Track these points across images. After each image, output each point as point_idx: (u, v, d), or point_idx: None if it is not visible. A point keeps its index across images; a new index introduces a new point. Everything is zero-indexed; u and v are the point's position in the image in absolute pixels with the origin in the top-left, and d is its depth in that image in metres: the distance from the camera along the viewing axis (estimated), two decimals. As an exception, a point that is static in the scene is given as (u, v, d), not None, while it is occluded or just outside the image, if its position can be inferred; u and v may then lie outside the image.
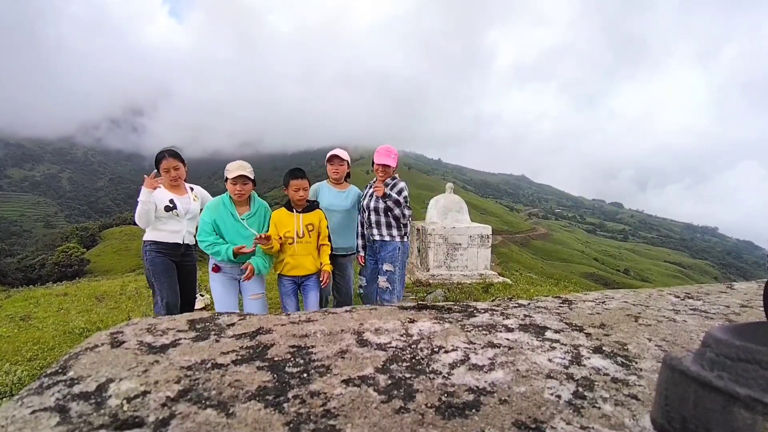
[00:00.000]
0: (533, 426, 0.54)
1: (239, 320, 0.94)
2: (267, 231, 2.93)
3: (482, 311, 1.06)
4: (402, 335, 0.86)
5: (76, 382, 0.63)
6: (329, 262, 3.08)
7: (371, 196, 3.44)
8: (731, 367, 0.36)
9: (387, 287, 3.35)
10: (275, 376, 0.67)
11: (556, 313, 1.07)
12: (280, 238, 2.90)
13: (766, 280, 0.66)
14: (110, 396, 0.59)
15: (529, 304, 1.16)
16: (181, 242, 3.12)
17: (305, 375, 0.67)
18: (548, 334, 0.91)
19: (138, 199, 2.92)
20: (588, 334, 0.92)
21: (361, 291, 3.64)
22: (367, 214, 3.44)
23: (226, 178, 2.82)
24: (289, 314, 1.00)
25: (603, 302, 1.22)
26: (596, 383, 0.68)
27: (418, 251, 7.75)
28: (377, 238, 3.40)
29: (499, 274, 7.81)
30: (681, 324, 1.02)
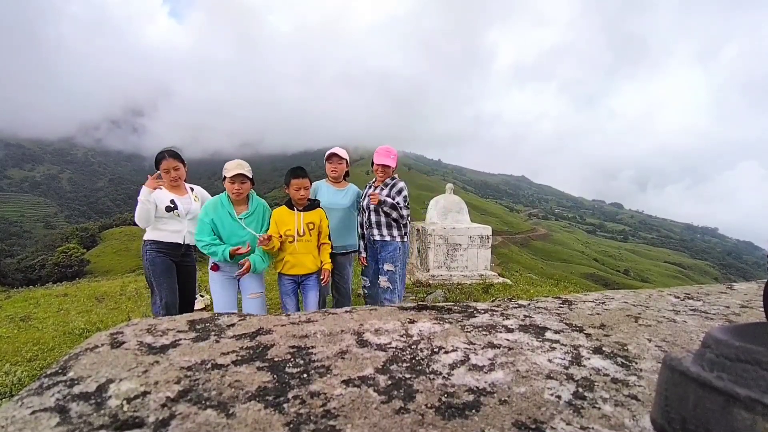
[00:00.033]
0: (533, 426, 0.54)
1: (239, 321, 0.94)
2: (266, 230, 2.93)
3: (482, 312, 1.06)
4: (402, 336, 0.86)
5: (76, 382, 0.63)
6: (329, 260, 3.09)
7: (371, 196, 3.45)
8: (731, 367, 0.36)
9: (388, 287, 3.36)
10: (275, 376, 0.67)
11: (556, 314, 1.07)
12: (281, 236, 2.91)
13: (766, 280, 0.66)
14: (110, 396, 0.59)
15: (529, 304, 1.16)
16: (182, 242, 3.12)
17: (305, 375, 0.67)
18: (548, 334, 0.91)
19: (138, 199, 2.92)
20: (588, 335, 0.92)
21: (366, 291, 3.65)
22: (367, 214, 3.44)
23: (224, 177, 2.82)
24: (289, 315, 1.00)
25: (603, 303, 1.22)
26: (596, 384, 0.68)
27: (418, 252, 7.75)
28: (378, 238, 3.41)
29: (499, 275, 7.81)
30: (681, 324, 1.02)
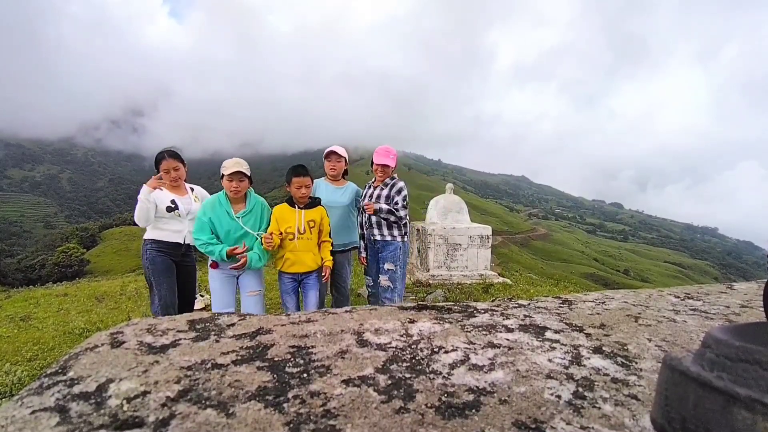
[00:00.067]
0: (533, 426, 0.54)
1: (239, 320, 0.94)
2: (265, 228, 2.94)
3: (482, 311, 1.06)
4: (402, 335, 0.86)
5: (76, 382, 0.63)
6: (330, 257, 3.10)
7: (371, 197, 3.45)
8: (731, 367, 0.36)
9: (389, 286, 3.37)
10: (275, 376, 0.67)
11: (556, 314, 1.07)
12: (281, 233, 2.91)
13: (766, 280, 0.66)
14: (110, 396, 0.59)
15: (529, 304, 1.16)
16: (182, 242, 3.12)
17: (305, 375, 0.67)
18: (548, 334, 0.91)
19: (138, 198, 2.93)
20: (588, 335, 0.92)
21: (369, 290, 3.65)
22: (367, 215, 3.45)
23: (222, 175, 2.82)
24: (289, 314, 1.00)
25: (603, 302, 1.22)
26: (596, 383, 0.68)
27: (418, 252, 7.75)
28: (378, 238, 3.41)
29: (499, 275, 7.81)
30: (681, 324, 1.02)
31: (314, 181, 3.55)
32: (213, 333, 0.86)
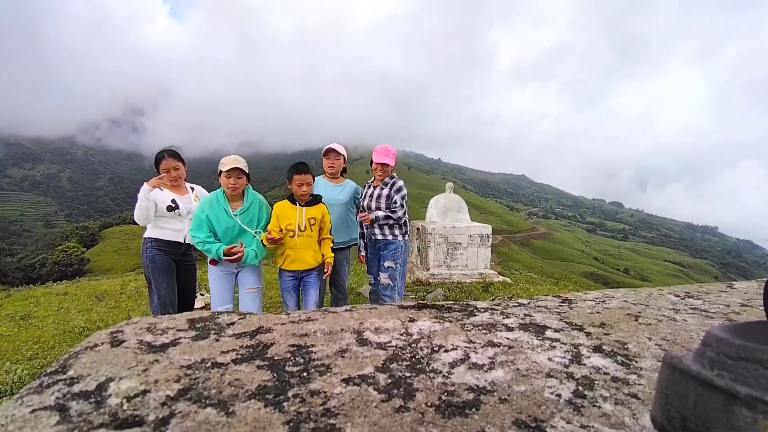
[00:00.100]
0: (533, 425, 0.54)
1: (239, 319, 0.94)
2: (263, 225, 2.95)
3: (482, 310, 1.06)
4: (402, 334, 0.86)
5: (76, 381, 0.63)
6: (331, 254, 3.11)
7: (371, 196, 3.45)
8: (732, 366, 0.36)
9: (388, 283, 3.38)
10: (275, 375, 0.66)
11: (556, 313, 1.07)
12: (281, 230, 2.91)
13: (766, 279, 0.66)
14: (110, 395, 0.59)
15: (529, 303, 1.16)
16: (183, 241, 3.12)
17: (305, 374, 0.67)
18: (548, 333, 0.91)
19: (137, 196, 2.93)
20: (588, 334, 0.92)
21: (372, 288, 3.66)
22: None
23: (220, 172, 2.82)
24: (289, 313, 1.00)
25: (603, 301, 1.22)
26: (596, 382, 0.68)
27: (418, 251, 7.75)
28: (380, 237, 3.42)
29: (499, 274, 7.82)
30: (681, 323, 1.02)
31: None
32: (213, 332, 0.86)
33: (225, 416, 0.54)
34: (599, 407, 0.59)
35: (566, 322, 0.99)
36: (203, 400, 0.58)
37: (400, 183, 3.44)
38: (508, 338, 0.86)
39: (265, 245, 2.90)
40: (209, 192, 3.43)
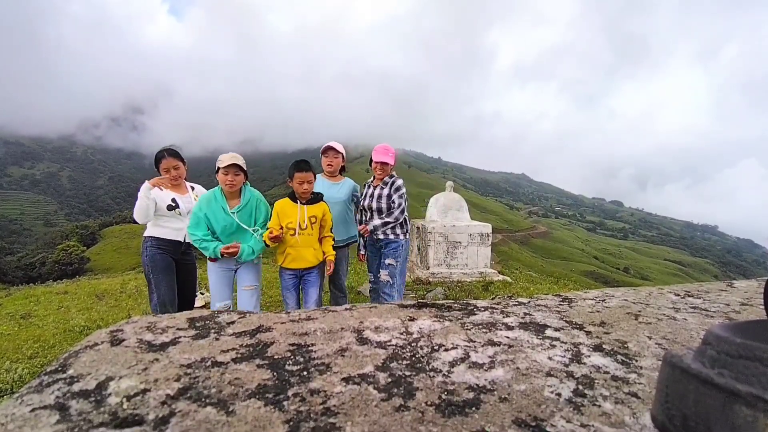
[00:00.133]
0: (533, 424, 0.54)
1: (239, 318, 0.94)
2: (262, 222, 2.96)
3: (482, 309, 1.06)
4: (402, 333, 0.86)
5: (75, 380, 0.63)
6: (333, 251, 3.11)
7: (371, 196, 3.45)
8: (732, 364, 0.36)
9: (388, 281, 3.39)
10: (275, 374, 0.66)
11: (556, 312, 1.07)
12: (282, 228, 2.91)
13: (766, 278, 0.66)
14: (110, 394, 0.59)
15: (529, 302, 1.16)
16: (183, 240, 3.13)
17: (305, 373, 0.67)
18: (548, 332, 0.91)
19: (137, 194, 2.94)
20: (588, 332, 0.92)
21: (372, 286, 3.67)
22: (369, 214, 3.46)
23: (218, 169, 2.82)
24: (289, 312, 1.00)
25: (603, 300, 1.22)
26: (596, 381, 0.68)
27: (419, 249, 7.75)
28: (381, 236, 3.43)
29: (499, 273, 7.82)
30: (681, 322, 1.02)
31: None
32: (213, 331, 0.85)
33: (225, 415, 0.54)
34: (599, 406, 0.59)
35: (566, 321, 0.99)
36: (203, 399, 0.58)
37: (399, 182, 3.44)
38: (508, 337, 0.86)
39: (267, 244, 2.90)
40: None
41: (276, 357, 0.73)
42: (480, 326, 0.92)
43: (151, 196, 2.95)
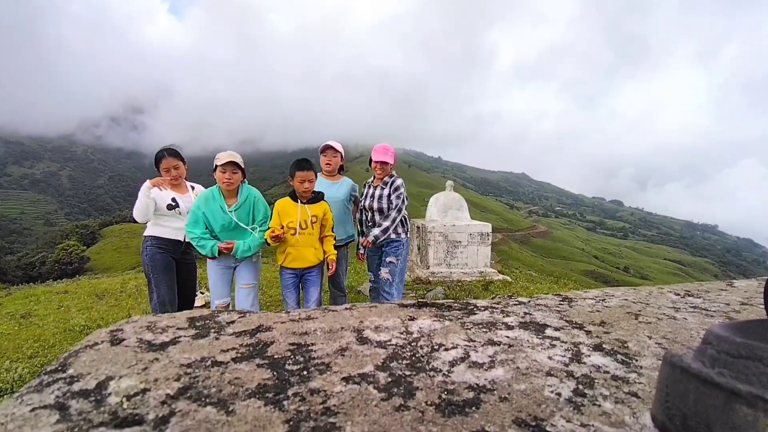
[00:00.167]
0: (533, 423, 0.54)
1: (239, 318, 0.94)
2: (261, 220, 2.97)
3: (482, 309, 1.06)
4: (402, 333, 0.86)
5: (75, 379, 0.63)
6: (334, 251, 3.11)
7: (371, 196, 3.45)
8: (732, 364, 0.36)
9: (388, 279, 3.39)
10: (275, 373, 0.66)
11: (556, 311, 1.07)
12: (282, 228, 2.91)
13: (766, 278, 0.66)
14: (110, 394, 0.59)
15: (529, 301, 1.16)
16: (183, 240, 3.13)
17: (305, 373, 0.67)
18: (548, 331, 0.91)
19: (138, 193, 2.94)
20: (588, 332, 0.92)
21: (372, 285, 3.67)
22: (370, 214, 3.46)
23: (215, 167, 2.82)
24: (288, 312, 1.00)
25: (603, 300, 1.22)
26: (596, 381, 0.68)
27: (419, 249, 7.75)
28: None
29: (499, 272, 7.82)
30: (681, 322, 1.02)
31: None
32: (213, 330, 0.85)
33: (225, 415, 0.54)
34: (599, 406, 0.59)
35: (566, 321, 0.99)
36: (203, 399, 0.58)
37: (399, 182, 3.44)
38: (508, 337, 0.86)
39: (268, 243, 2.90)
40: None
41: (276, 356, 0.73)
42: (480, 326, 0.92)
43: (150, 196, 2.95)
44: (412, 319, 0.95)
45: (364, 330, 0.87)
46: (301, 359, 0.72)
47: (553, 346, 0.82)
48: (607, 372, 0.71)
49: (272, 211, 3.01)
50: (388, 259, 3.41)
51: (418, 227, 7.74)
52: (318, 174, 3.60)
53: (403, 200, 3.40)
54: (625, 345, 0.84)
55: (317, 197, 3.04)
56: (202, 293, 5.50)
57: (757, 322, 0.42)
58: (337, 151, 3.49)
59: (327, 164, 3.49)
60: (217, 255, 2.81)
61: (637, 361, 0.77)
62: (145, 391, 0.60)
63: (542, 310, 1.07)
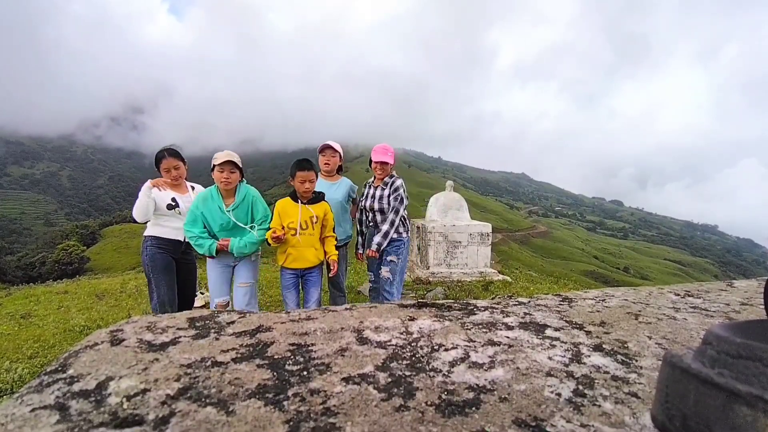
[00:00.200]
0: (533, 424, 0.54)
1: (239, 318, 0.94)
2: (260, 218, 2.97)
3: (482, 309, 1.06)
4: (402, 333, 0.86)
5: (75, 380, 0.63)
6: (335, 251, 3.11)
7: (372, 197, 3.45)
8: (732, 364, 0.36)
9: (389, 278, 3.39)
10: (275, 374, 0.66)
11: (556, 311, 1.07)
12: (283, 228, 2.91)
13: (766, 278, 0.66)
14: (110, 394, 0.59)
15: (529, 302, 1.16)
16: (183, 240, 3.13)
17: (305, 373, 0.67)
18: (548, 332, 0.91)
19: (138, 194, 2.95)
20: (588, 332, 0.92)
21: (372, 285, 3.67)
22: (371, 215, 3.46)
23: (213, 167, 2.82)
24: (288, 312, 1.00)
25: (603, 300, 1.22)
26: (596, 381, 0.68)
27: (419, 249, 7.75)
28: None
29: (499, 272, 7.82)
30: (681, 322, 1.02)
31: None
32: (213, 331, 0.85)
33: (225, 415, 0.54)
34: (599, 406, 0.59)
35: (566, 321, 0.99)
36: (203, 399, 0.58)
37: (398, 183, 3.43)
38: (508, 337, 0.86)
39: (269, 243, 2.91)
40: None
41: (276, 357, 0.73)
42: (480, 326, 0.92)
43: (151, 196, 2.96)
44: (412, 319, 0.95)
45: (364, 330, 0.87)
46: (301, 359, 0.72)
47: (553, 346, 0.82)
48: (607, 372, 0.71)
49: (273, 211, 3.01)
50: (389, 258, 3.41)
51: (418, 227, 7.74)
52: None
53: (401, 201, 3.40)
54: (625, 345, 0.84)
55: (318, 197, 3.04)
56: (201, 293, 5.50)
57: (757, 323, 0.42)
58: (336, 151, 3.48)
59: (325, 164, 3.48)
60: (215, 254, 2.82)
61: (637, 361, 0.77)
62: (145, 391, 0.60)
63: (542, 311, 1.07)
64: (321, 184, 3.47)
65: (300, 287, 3.10)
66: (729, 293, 1.35)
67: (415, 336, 0.85)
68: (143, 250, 3.08)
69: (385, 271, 3.41)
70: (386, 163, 3.39)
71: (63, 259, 33.90)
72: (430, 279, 6.84)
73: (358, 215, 3.67)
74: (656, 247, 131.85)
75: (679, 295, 1.31)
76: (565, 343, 0.84)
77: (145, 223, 3.08)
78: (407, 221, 3.55)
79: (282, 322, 0.91)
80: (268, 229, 2.93)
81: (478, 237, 7.39)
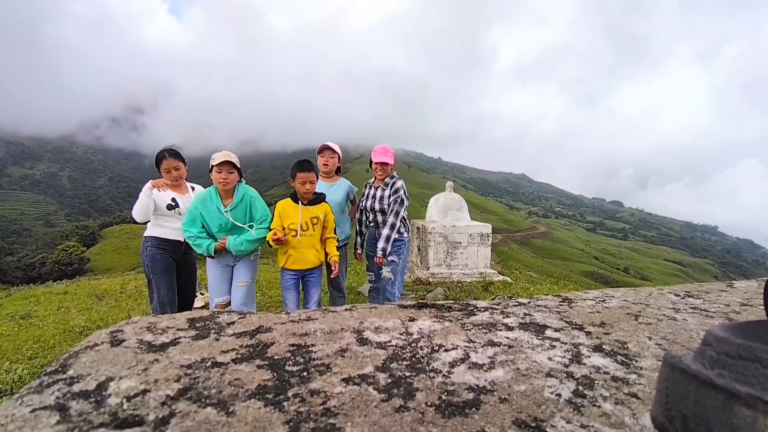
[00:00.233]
0: (533, 424, 0.54)
1: (239, 319, 0.94)
2: (259, 218, 2.97)
3: (482, 310, 1.06)
4: (402, 334, 0.86)
5: (75, 380, 0.63)
6: (336, 252, 3.11)
7: (373, 197, 3.45)
8: (732, 365, 0.36)
9: (390, 278, 3.39)
10: (275, 374, 0.66)
11: (556, 312, 1.07)
12: (284, 229, 2.91)
13: (766, 278, 0.66)
14: (110, 395, 0.59)
15: (529, 302, 1.16)
16: (183, 240, 3.13)
17: (305, 374, 0.67)
18: (548, 332, 0.91)
19: (139, 194, 2.95)
20: (588, 333, 0.92)
21: (372, 285, 3.67)
22: (371, 215, 3.46)
23: (211, 167, 2.82)
24: (289, 313, 1.00)
25: (603, 301, 1.22)
26: (596, 382, 0.68)
27: (418, 250, 7.75)
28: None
29: (499, 273, 7.82)
30: (681, 322, 1.02)
31: None
32: (213, 331, 0.86)
33: (225, 416, 0.54)
34: (599, 407, 0.59)
35: (566, 322, 0.99)
36: (203, 400, 0.58)
37: (399, 184, 3.43)
38: (508, 338, 0.86)
39: (270, 244, 2.90)
40: None
41: (276, 357, 0.73)
42: (480, 327, 0.93)
43: (151, 196, 2.96)
44: (412, 320, 0.95)
45: (364, 331, 0.87)
46: (301, 360, 0.72)
47: (553, 347, 0.82)
48: (607, 373, 0.71)
49: (273, 212, 3.00)
50: (390, 258, 3.40)
51: (418, 228, 7.74)
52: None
53: (401, 203, 3.39)
54: (625, 346, 0.84)
55: (318, 198, 3.03)
56: (201, 294, 5.50)
57: (757, 324, 0.42)
58: (335, 152, 3.47)
59: (324, 165, 3.48)
60: (213, 254, 2.82)
61: (637, 362, 0.77)
62: (145, 392, 0.60)
63: (542, 311, 1.07)
64: (319, 185, 3.46)
65: (300, 288, 3.10)
66: (729, 294, 1.35)
67: (415, 337, 0.85)
68: (143, 251, 3.07)
69: (386, 271, 3.41)
70: (386, 164, 3.39)
71: (63, 260, 33.91)
72: (430, 280, 6.84)
73: (357, 215, 3.67)
74: (656, 248, 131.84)
75: (679, 295, 1.31)
76: (565, 343, 0.84)
77: (145, 223, 3.08)
78: (408, 221, 3.55)
79: (282, 323, 0.91)
80: (268, 228, 2.93)
81: (478, 238, 7.39)
